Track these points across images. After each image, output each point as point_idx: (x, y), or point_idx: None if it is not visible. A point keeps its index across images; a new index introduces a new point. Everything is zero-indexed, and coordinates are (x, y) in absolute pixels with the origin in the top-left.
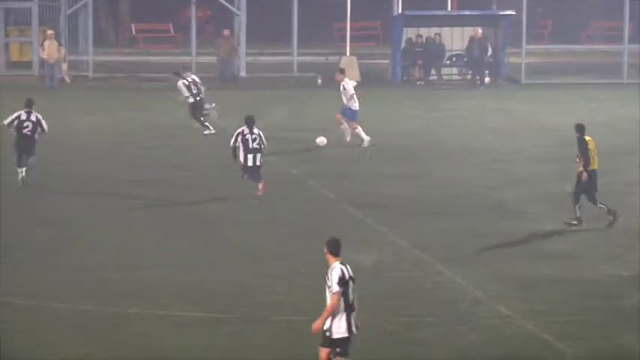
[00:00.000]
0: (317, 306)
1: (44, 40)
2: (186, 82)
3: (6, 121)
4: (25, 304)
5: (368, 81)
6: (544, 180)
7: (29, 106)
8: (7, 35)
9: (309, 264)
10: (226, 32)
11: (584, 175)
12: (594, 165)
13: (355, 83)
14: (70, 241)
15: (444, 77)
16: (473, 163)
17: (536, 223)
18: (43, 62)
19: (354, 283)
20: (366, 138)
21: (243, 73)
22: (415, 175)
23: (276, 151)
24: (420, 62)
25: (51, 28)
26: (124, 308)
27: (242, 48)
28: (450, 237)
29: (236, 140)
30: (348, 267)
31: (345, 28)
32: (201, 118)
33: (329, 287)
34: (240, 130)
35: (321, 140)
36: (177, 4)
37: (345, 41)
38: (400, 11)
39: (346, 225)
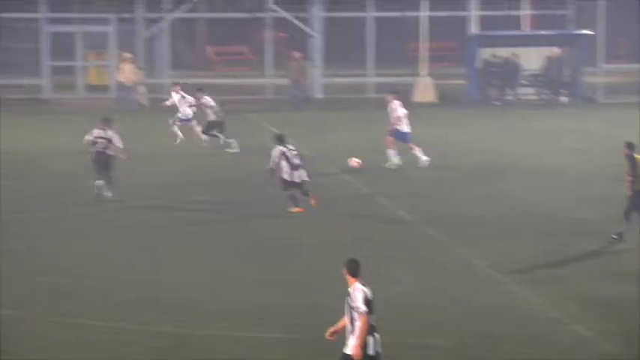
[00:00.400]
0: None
1: (121, 64)
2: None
3: (85, 139)
4: (104, 326)
5: (444, 101)
6: (623, 200)
7: (106, 124)
8: (85, 59)
9: (386, 284)
10: (296, 54)
11: (630, 193)
12: None
13: (405, 111)
14: (145, 258)
15: (521, 97)
16: (550, 182)
17: (616, 243)
18: (120, 85)
19: (373, 304)
20: (423, 158)
21: (319, 95)
22: (492, 195)
23: (351, 171)
24: (496, 82)
25: (128, 52)
26: (201, 329)
27: (317, 70)
28: (527, 257)
29: (278, 162)
30: (367, 288)
31: (420, 49)
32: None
33: (355, 308)
34: (279, 150)
35: (354, 162)
36: (252, 27)
37: (421, 62)
38: (476, 31)
39: (423, 245)
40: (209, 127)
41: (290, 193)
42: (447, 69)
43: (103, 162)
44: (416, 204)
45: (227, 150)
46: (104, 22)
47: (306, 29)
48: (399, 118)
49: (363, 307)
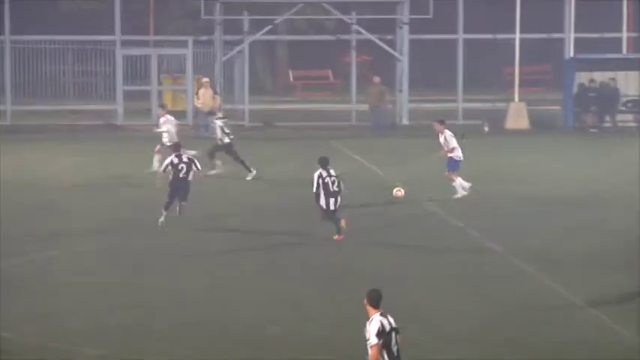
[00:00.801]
0: None
1: (199, 89)
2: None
3: (161, 169)
4: None
5: (538, 128)
6: None
7: (177, 149)
8: (160, 83)
9: (482, 320)
10: (376, 79)
11: None
12: None
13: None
14: (219, 290)
15: (619, 124)
16: None
17: None
18: (197, 111)
19: (397, 333)
20: (460, 191)
21: (405, 121)
22: (587, 225)
23: (437, 200)
24: (593, 108)
25: (206, 76)
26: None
27: (404, 95)
28: (625, 291)
29: (318, 185)
30: (390, 318)
31: (514, 73)
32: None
33: (367, 340)
34: (318, 173)
35: (399, 192)
36: (336, 50)
37: (514, 86)
38: (572, 55)
39: (516, 280)
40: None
41: (333, 219)
42: (541, 94)
43: (183, 189)
44: (506, 236)
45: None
46: (181, 44)
47: (393, 52)
48: (454, 149)
49: (374, 340)
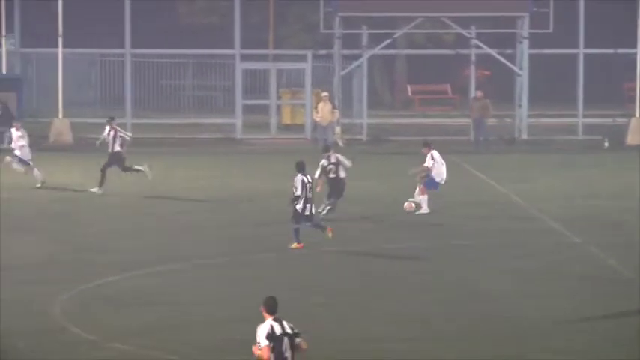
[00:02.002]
0: None
1: (318, 103)
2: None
3: (316, 176)
4: None
5: None
6: None
7: (327, 150)
8: (279, 97)
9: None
10: (478, 93)
11: None
12: None
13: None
14: (348, 309)
15: None
16: None
17: None
18: (315, 125)
19: (289, 339)
20: (424, 208)
21: (524, 136)
22: None
23: (556, 217)
24: None
25: (325, 90)
26: None
27: (524, 109)
28: None
29: (303, 189)
30: (285, 324)
31: (635, 88)
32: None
33: (257, 343)
34: (301, 179)
35: (410, 206)
36: (455, 64)
37: (635, 102)
38: None
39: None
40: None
41: (298, 227)
42: None
43: (340, 189)
44: (629, 255)
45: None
46: (300, 58)
47: (512, 67)
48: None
49: (264, 342)
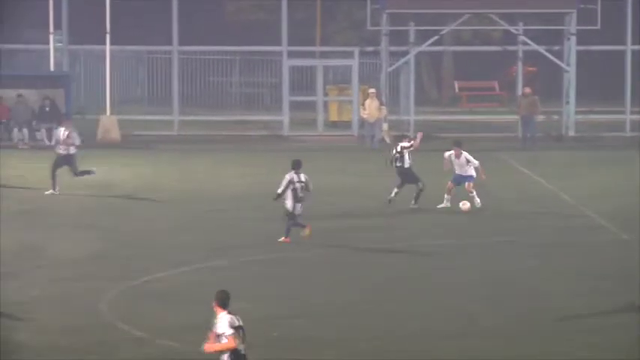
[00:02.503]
0: None
1: (365, 99)
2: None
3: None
4: None
5: None
6: None
7: (404, 138)
8: (325, 94)
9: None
10: (527, 89)
11: None
12: None
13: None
14: (395, 305)
15: None
16: None
17: None
18: (362, 122)
19: (243, 332)
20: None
21: (572, 133)
22: None
23: (604, 214)
24: None
25: (372, 87)
26: None
27: (571, 106)
28: None
29: (286, 188)
30: (238, 317)
31: None
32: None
33: (222, 334)
34: (290, 177)
35: (465, 205)
36: (502, 61)
37: None
38: None
39: None
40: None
41: (292, 223)
42: None
43: (406, 174)
44: None
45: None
46: (347, 55)
47: (560, 63)
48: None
49: (228, 331)
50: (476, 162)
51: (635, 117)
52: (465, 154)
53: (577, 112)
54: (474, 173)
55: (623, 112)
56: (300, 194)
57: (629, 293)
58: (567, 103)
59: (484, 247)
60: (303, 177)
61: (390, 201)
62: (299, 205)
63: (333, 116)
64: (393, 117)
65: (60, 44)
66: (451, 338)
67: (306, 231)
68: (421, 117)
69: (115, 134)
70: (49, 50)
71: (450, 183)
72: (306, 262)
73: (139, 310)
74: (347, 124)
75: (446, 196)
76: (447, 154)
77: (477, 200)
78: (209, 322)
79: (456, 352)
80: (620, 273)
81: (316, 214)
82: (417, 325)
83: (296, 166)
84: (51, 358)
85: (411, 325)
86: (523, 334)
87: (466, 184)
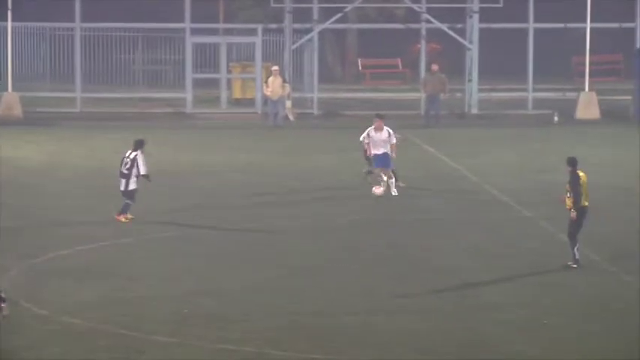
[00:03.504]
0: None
1: (268, 77)
2: None
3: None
4: (243, 351)
5: (609, 118)
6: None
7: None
8: (229, 72)
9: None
10: (434, 67)
11: (574, 214)
12: (585, 202)
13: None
14: (297, 283)
15: None
16: None
17: None
18: (266, 99)
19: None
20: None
21: (474, 110)
22: None
23: (507, 191)
24: None
25: (275, 64)
26: (351, 357)
27: (474, 84)
28: None
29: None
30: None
31: (584, 62)
32: None
33: None
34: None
35: (378, 189)
36: (406, 39)
37: (584, 76)
38: None
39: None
40: None
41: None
42: (614, 84)
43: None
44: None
45: None
46: (250, 32)
47: (463, 41)
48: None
49: None
50: (394, 139)
51: (537, 94)
52: (386, 128)
53: (480, 90)
54: (390, 151)
55: (525, 90)
56: (124, 170)
57: (530, 269)
58: (470, 80)
59: (391, 224)
60: (132, 155)
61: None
62: (123, 181)
63: (237, 94)
64: (297, 94)
65: None
66: (353, 315)
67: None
68: (325, 94)
69: (17, 111)
70: None
71: (376, 169)
72: (213, 241)
73: (42, 288)
74: (250, 102)
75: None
76: (363, 136)
77: (394, 190)
78: (110, 298)
79: (360, 329)
80: (521, 250)
81: (220, 192)
82: (324, 302)
83: (136, 145)
84: None
85: (318, 302)
86: (429, 310)
87: (386, 170)
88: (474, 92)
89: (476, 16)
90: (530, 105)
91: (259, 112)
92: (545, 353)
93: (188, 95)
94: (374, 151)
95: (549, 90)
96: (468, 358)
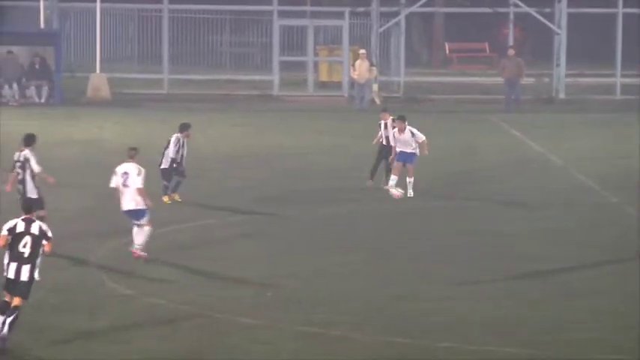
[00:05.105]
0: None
1: (355, 60)
2: None
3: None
4: (329, 335)
5: None
6: None
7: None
8: (316, 55)
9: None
10: (511, 51)
11: None
12: None
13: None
14: (377, 267)
15: None
16: None
17: None
18: (352, 83)
19: (32, 239)
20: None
21: (562, 95)
22: None
23: (594, 176)
24: None
25: (362, 48)
26: (433, 342)
27: (562, 68)
28: None
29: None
30: (35, 225)
31: None
32: None
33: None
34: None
35: (397, 193)
36: (493, 23)
37: None
38: None
39: None
40: None
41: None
42: None
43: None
44: None
45: None
46: (338, 15)
47: (551, 25)
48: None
49: (3, 232)
50: (422, 136)
51: (625, 80)
52: (409, 128)
53: (567, 75)
54: (417, 151)
55: (613, 75)
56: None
57: (613, 255)
58: (558, 65)
59: (480, 209)
60: (22, 156)
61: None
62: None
63: (324, 77)
64: (383, 78)
65: (50, 2)
66: (429, 301)
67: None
68: (411, 78)
69: (105, 92)
70: (39, 7)
71: (396, 162)
72: (295, 224)
73: (128, 268)
74: (337, 85)
75: (392, 176)
76: (383, 128)
77: (411, 191)
78: (194, 280)
79: (433, 314)
80: (605, 236)
81: (307, 174)
82: (403, 290)
83: (27, 142)
84: (39, 316)
85: (398, 288)
86: (508, 296)
87: (407, 165)
88: (561, 77)
89: (564, 1)
90: (618, 90)
91: (346, 95)
92: (617, 340)
93: (275, 78)
94: (400, 149)
95: (637, 76)
96: (544, 342)
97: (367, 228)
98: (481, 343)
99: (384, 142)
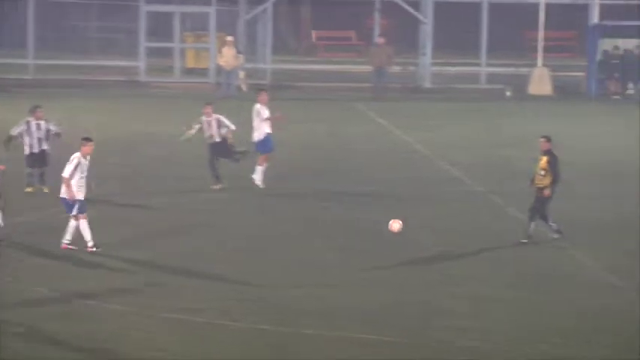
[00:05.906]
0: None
1: (222, 47)
2: None
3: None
4: (194, 321)
5: (561, 94)
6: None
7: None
8: (182, 41)
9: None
10: (380, 40)
11: (548, 191)
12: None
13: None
14: (256, 255)
15: None
16: None
17: None
18: (219, 70)
19: None
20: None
21: (427, 84)
22: (610, 194)
23: (459, 165)
24: (616, 75)
25: (229, 34)
26: (299, 328)
27: (428, 57)
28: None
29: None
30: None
31: (538, 38)
32: None
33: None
34: None
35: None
36: (360, 12)
37: (537, 52)
38: (597, 21)
39: (534, 246)
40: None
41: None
42: (565, 60)
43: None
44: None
45: None
46: (205, 2)
47: (417, 15)
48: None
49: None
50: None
51: (490, 69)
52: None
53: (433, 64)
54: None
55: (478, 65)
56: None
57: (481, 244)
58: (424, 54)
59: (341, 199)
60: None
61: None
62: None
63: (190, 63)
64: (250, 65)
65: None
66: (298, 288)
67: None
68: (278, 66)
69: None
70: None
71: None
72: (165, 209)
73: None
74: (204, 72)
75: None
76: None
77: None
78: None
79: (303, 301)
80: (472, 224)
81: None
82: (275, 275)
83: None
84: None
85: (270, 275)
86: (383, 283)
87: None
88: (427, 66)
89: None
90: (483, 79)
91: (212, 82)
92: (495, 326)
93: (141, 64)
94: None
95: (502, 65)
96: (414, 328)
97: (239, 215)
98: (348, 330)
99: (216, 140)
